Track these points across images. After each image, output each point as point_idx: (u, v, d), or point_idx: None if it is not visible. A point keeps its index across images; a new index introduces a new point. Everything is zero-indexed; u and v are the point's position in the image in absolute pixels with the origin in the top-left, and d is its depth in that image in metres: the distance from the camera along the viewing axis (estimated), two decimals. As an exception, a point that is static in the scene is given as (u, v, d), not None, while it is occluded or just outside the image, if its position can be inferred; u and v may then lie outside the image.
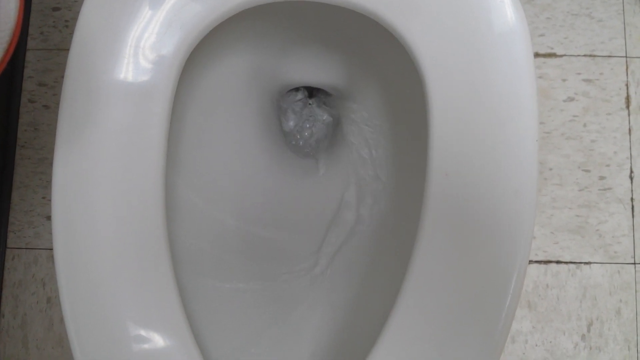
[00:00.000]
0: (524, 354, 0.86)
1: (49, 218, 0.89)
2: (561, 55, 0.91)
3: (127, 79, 0.49)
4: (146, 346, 0.47)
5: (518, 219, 0.46)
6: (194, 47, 0.50)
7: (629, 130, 0.89)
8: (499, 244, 0.46)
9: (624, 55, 0.91)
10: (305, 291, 0.64)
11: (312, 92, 0.75)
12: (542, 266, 0.87)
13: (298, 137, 0.74)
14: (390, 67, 0.63)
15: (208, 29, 0.50)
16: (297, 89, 0.75)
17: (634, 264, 0.87)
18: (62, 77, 0.80)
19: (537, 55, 0.91)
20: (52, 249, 0.87)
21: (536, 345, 0.86)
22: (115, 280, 0.48)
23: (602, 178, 0.89)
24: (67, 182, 0.48)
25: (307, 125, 0.73)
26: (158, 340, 0.47)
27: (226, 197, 0.66)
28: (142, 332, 0.47)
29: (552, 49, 0.91)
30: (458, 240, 0.47)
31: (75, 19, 0.51)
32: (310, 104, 0.74)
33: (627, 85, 0.90)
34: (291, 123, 0.73)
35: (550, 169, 0.89)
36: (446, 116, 0.48)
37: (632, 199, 0.88)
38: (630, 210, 0.88)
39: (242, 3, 0.51)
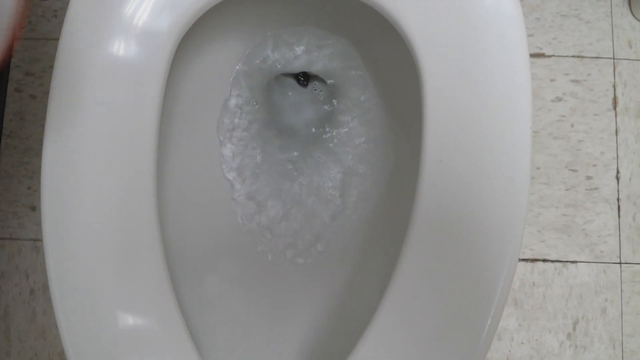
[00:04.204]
0: (509, 351, 0.86)
1: (33, 209, 0.87)
2: (550, 56, 0.92)
3: (119, 59, 0.48)
4: (136, 331, 0.46)
5: (511, 205, 0.46)
6: (188, 28, 0.50)
7: (616, 131, 0.90)
8: (492, 232, 0.46)
9: (612, 56, 0.92)
10: (295, 282, 0.63)
11: (307, 78, 0.74)
12: (529, 264, 0.88)
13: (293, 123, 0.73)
14: (385, 55, 0.63)
15: (203, 10, 0.50)
16: (292, 75, 0.74)
17: (620, 263, 0.87)
18: (50, 66, 0.79)
19: (526, 54, 0.92)
20: (36, 240, 0.86)
21: (522, 343, 0.86)
22: (105, 266, 0.47)
23: (588, 178, 0.89)
24: (57, 165, 0.48)
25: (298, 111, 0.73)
26: (148, 325, 0.47)
27: (215, 192, 0.66)
28: (132, 319, 0.47)
29: (540, 49, 0.92)
30: (451, 229, 0.47)
31: (63, 8, 0.50)
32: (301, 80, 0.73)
33: (614, 86, 0.91)
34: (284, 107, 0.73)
35: (538, 168, 0.89)
36: (440, 101, 0.48)
37: (618, 199, 0.89)
38: (617, 210, 0.89)
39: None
